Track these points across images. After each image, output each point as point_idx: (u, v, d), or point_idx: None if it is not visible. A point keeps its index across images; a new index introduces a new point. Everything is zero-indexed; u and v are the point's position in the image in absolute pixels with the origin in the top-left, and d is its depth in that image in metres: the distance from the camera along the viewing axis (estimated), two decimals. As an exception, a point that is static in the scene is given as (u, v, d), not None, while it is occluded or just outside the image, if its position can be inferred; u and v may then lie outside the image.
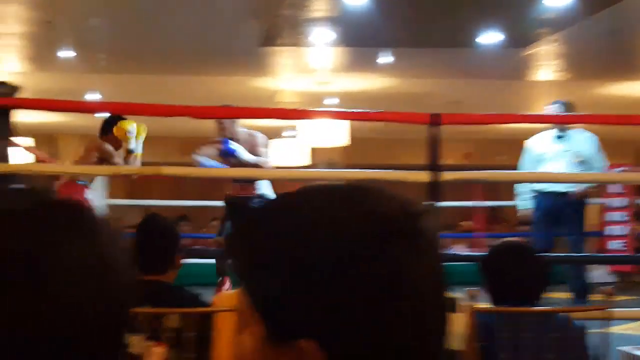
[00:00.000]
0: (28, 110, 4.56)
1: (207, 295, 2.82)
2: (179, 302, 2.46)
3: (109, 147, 5.05)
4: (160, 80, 8.93)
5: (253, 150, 5.45)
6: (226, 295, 2.63)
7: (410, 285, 0.70)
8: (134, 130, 5.07)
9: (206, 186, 14.21)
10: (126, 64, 8.45)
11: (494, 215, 12.37)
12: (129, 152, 5.11)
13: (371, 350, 0.70)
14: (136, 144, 5.12)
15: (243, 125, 5.56)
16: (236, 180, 5.60)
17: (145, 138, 5.18)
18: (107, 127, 5.08)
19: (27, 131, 8.55)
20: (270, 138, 9.99)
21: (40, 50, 7.88)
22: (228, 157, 5.38)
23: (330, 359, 0.69)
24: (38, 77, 8.35)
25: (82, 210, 0.70)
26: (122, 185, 11.68)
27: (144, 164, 5.22)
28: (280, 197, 0.77)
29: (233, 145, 5.27)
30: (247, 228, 0.76)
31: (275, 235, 0.72)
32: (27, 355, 0.63)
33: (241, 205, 5.60)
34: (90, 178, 5.10)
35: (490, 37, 7.13)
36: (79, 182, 5.04)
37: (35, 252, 0.65)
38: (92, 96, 9.49)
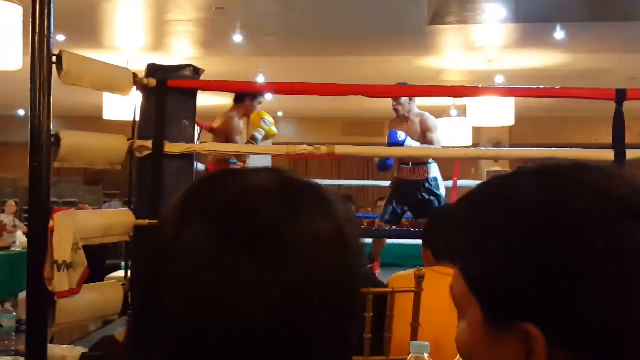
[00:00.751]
0: (211, 92, 4.75)
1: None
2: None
3: (237, 123, 5.11)
4: (326, 61, 9.04)
5: (424, 135, 5.36)
6: (402, 276, 2.58)
7: None
8: (269, 124, 5.08)
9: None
10: (294, 46, 8.61)
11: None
12: (252, 138, 5.10)
13: (599, 339, 0.65)
14: (260, 137, 5.11)
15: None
16: (403, 163, 5.53)
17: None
18: (243, 96, 5.18)
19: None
20: (435, 117, 9.95)
21: (212, 35, 8.18)
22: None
23: (550, 347, 0.65)
24: (209, 62, 8.66)
25: (321, 188, 0.72)
26: (282, 165, 11.99)
27: (309, 144, 5.23)
28: (496, 178, 0.76)
29: (401, 135, 5.14)
30: (465, 210, 0.75)
31: (497, 213, 0.71)
32: (276, 321, 0.64)
33: (409, 188, 5.53)
34: (244, 158, 5.12)
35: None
36: (231, 162, 5.06)
37: (283, 223, 0.66)
38: (261, 79, 9.76)
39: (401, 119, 5.47)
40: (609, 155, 3.43)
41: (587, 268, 0.65)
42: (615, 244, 0.66)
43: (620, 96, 3.45)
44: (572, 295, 0.65)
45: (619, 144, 3.46)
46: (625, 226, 0.66)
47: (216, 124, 5.25)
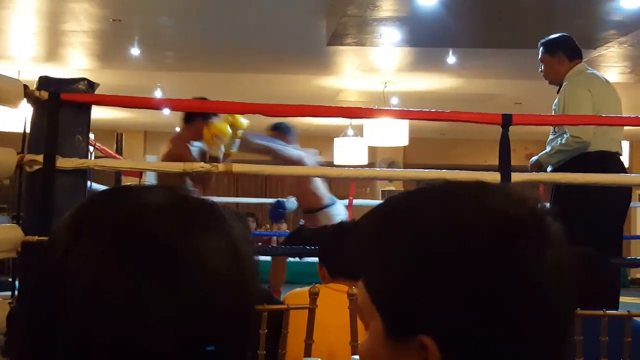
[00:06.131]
0: (106, 106, 4.59)
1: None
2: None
3: (186, 146, 4.61)
4: (226, 78, 9.01)
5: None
6: (297, 293, 2.62)
7: (535, 286, 0.70)
8: (222, 137, 4.50)
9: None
10: (193, 62, 8.55)
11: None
12: (214, 158, 4.46)
13: (491, 354, 0.69)
14: (225, 147, 4.56)
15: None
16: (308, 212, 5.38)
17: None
18: (193, 115, 4.62)
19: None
20: (332, 136, 10.04)
21: (108, 47, 8.02)
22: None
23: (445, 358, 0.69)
24: (106, 74, 8.50)
25: (215, 206, 0.72)
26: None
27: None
28: (403, 194, 0.79)
29: (288, 203, 5.17)
30: (370, 224, 0.78)
31: (399, 229, 0.74)
32: (166, 337, 0.63)
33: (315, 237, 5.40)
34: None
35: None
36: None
37: (177, 242, 0.66)
38: (159, 94, 9.63)
39: None
40: (495, 177, 3.57)
41: (480, 286, 0.68)
42: (510, 264, 0.69)
43: (506, 121, 3.61)
44: (466, 311, 0.68)
45: (505, 167, 3.61)
46: (521, 245, 0.69)
47: (165, 149, 4.71)
